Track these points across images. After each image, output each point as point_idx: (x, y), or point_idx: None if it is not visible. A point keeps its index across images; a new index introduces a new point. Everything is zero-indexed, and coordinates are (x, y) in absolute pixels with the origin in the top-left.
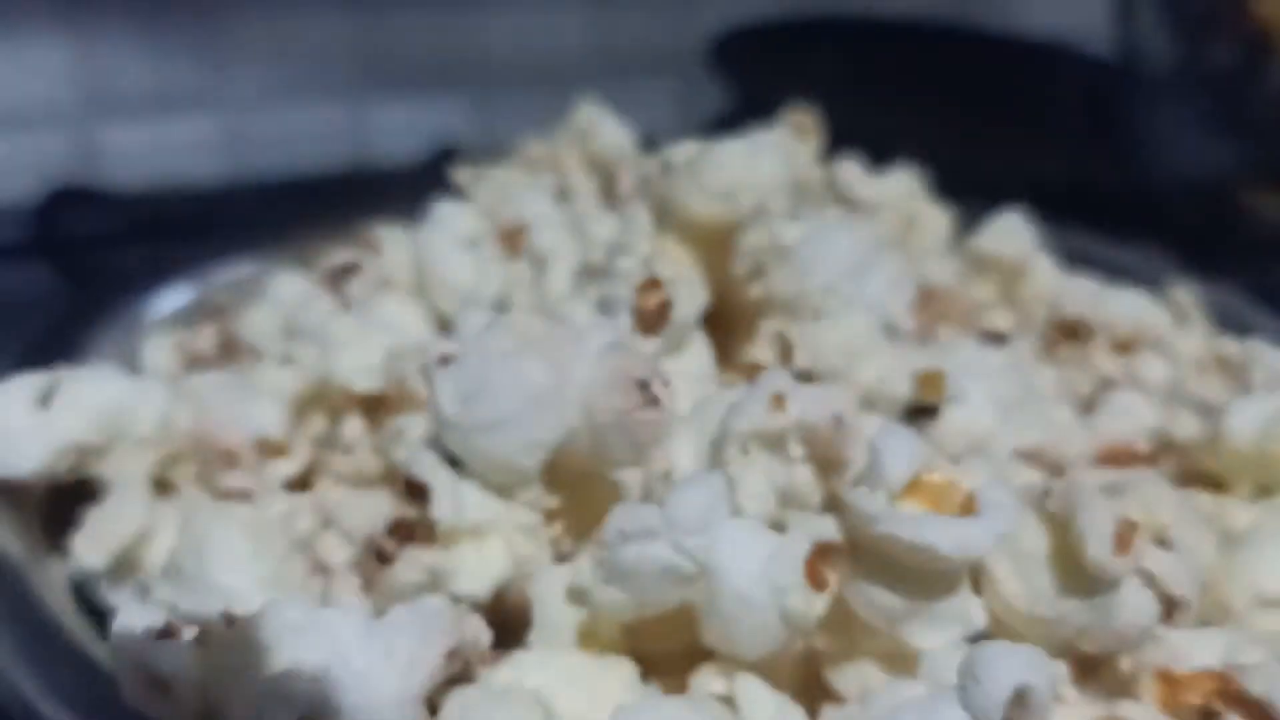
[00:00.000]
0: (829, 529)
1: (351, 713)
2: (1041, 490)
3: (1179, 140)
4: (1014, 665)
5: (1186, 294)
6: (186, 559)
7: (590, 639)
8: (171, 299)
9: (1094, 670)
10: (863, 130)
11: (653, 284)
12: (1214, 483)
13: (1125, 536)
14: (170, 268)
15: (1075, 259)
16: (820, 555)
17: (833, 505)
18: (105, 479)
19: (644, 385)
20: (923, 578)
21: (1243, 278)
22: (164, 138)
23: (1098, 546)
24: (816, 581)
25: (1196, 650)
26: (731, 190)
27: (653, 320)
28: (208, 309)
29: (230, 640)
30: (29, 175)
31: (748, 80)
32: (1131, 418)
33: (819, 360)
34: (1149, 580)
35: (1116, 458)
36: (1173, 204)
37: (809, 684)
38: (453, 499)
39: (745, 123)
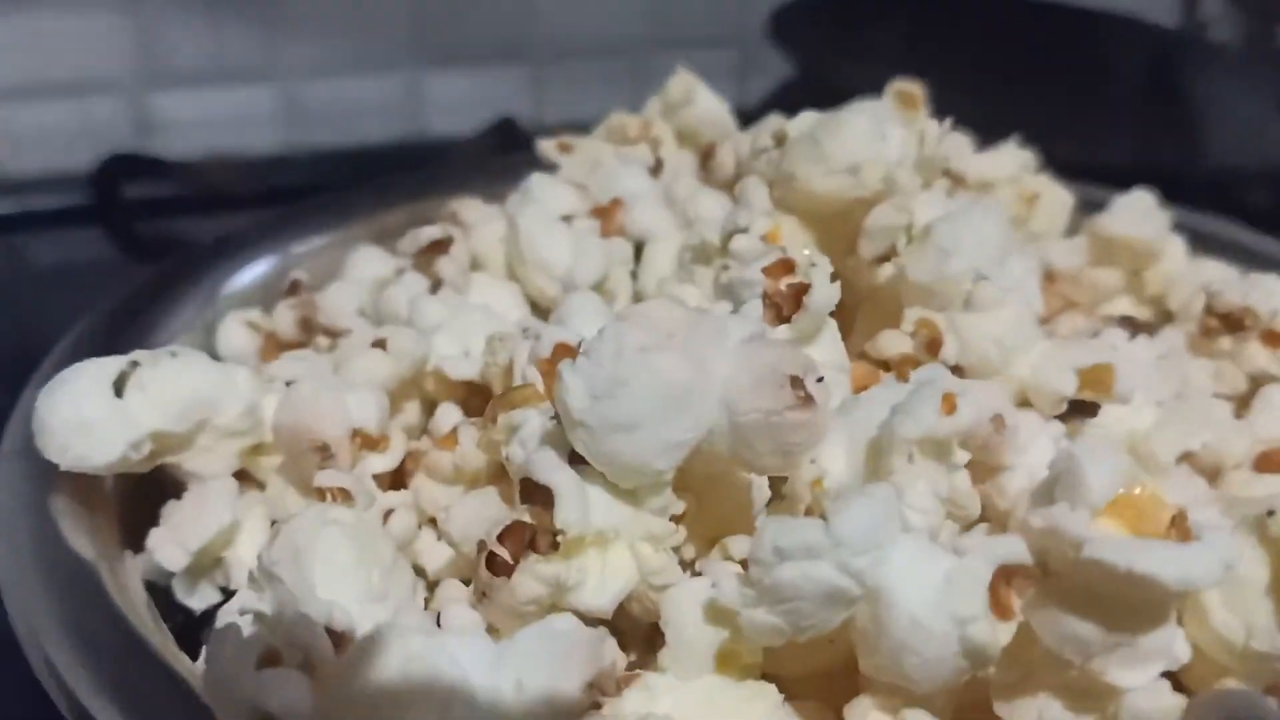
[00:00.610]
0: (1015, 548)
1: None
2: (1262, 509)
3: (1246, 118)
4: (1256, 713)
5: None
6: (283, 568)
7: (729, 661)
8: (247, 274)
9: None
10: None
11: (785, 265)
12: None
13: None
14: (244, 241)
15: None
16: (1005, 579)
17: (989, 517)
18: (187, 471)
19: (796, 382)
20: (1128, 608)
21: None
22: (219, 107)
23: None
24: (1001, 609)
25: None
26: (857, 164)
27: (787, 306)
28: (285, 286)
29: (343, 670)
30: (86, 143)
31: (807, 53)
32: None
33: (969, 353)
34: None
35: (1278, 462)
36: (1238, 183)
37: (968, 712)
38: (579, 503)
39: (806, 97)
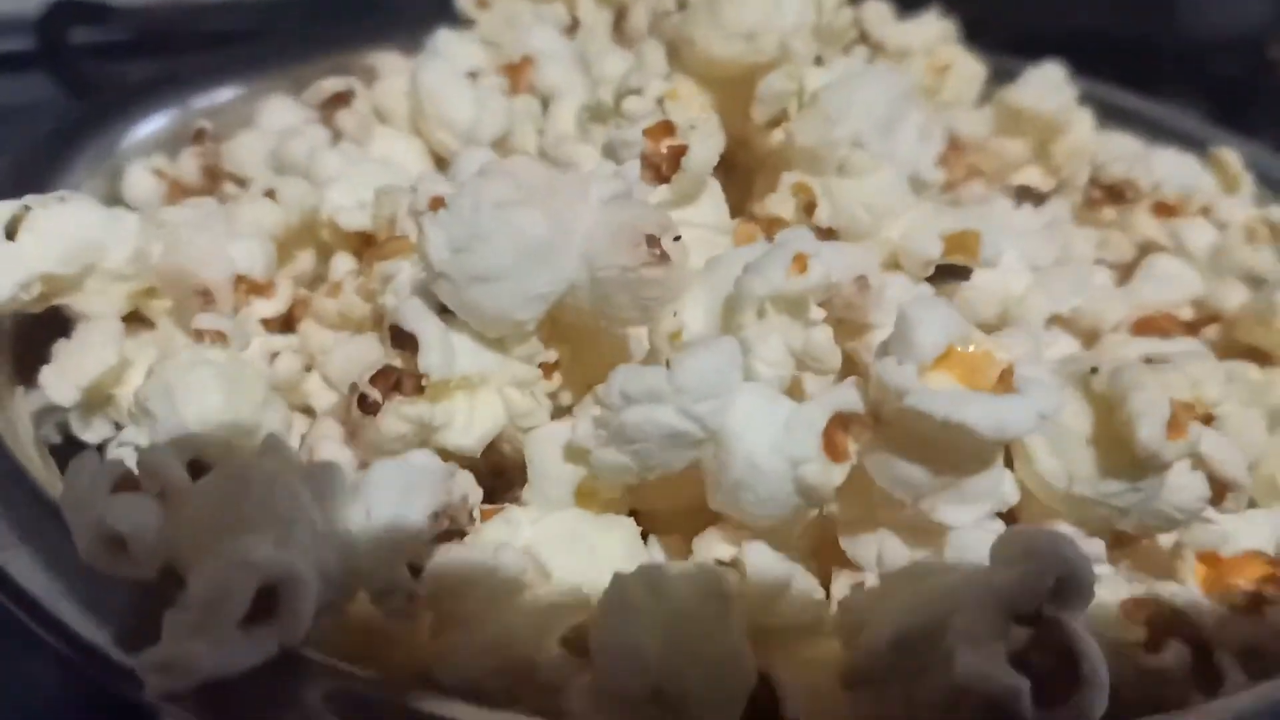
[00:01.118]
0: (849, 397)
1: (323, 579)
2: (1087, 367)
3: None
4: (1056, 550)
5: (1233, 156)
6: (155, 403)
7: (589, 496)
8: (159, 121)
9: (1128, 546)
10: None
11: (665, 127)
12: (1259, 356)
13: (1179, 420)
14: (159, 89)
15: (1110, 114)
16: (840, 425)
17: (853, 369)
18: (78, 312)
19: (653, 241)
20: (953, 453)
21: (1272, 132)
22: None
23: (1150, 431)
24: (835, 452)
25: (1244, 533)
26: (754, 31)
27: (664, 166)
28: (195, 134)
29: (193, 496)
30: None
31: None
32: (1174, 285)
33: (842, 216)
34: (1199, 462)
35: (1155, 326)
36: (1204, 57)
37: (821, 548)
38: (442, 350)
39: None
